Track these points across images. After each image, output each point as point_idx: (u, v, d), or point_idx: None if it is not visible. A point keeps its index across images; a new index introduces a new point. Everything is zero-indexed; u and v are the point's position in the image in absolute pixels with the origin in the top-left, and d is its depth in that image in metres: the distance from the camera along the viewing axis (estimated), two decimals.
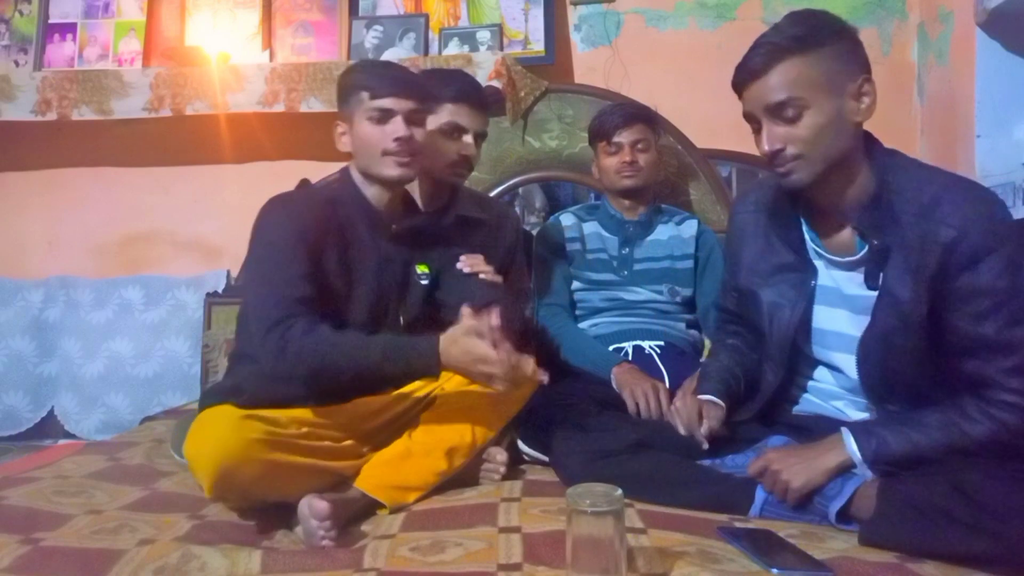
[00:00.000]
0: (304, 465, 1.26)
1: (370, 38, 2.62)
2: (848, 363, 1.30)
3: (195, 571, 1.04)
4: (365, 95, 1.44)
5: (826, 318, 1.33)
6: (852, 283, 1.29)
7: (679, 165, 2.44)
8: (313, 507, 1.18)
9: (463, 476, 1.41)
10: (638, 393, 1.62)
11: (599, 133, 2.01)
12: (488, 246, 1.84)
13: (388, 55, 2.52)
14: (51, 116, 2.56)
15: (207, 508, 1.30)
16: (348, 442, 1.38)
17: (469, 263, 1.59)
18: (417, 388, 1.50)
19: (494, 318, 1.27)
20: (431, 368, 1.31)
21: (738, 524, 1.18)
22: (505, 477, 1.44)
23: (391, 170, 1.45)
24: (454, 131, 1.73)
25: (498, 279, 1.60)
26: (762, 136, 1.24)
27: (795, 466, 1.21)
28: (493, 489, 1.36)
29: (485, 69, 2.39)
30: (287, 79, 2.49)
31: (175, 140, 2.71)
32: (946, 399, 1.22)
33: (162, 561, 1.06)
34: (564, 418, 1.46)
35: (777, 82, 1.19)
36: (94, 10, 2.73)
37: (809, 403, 1.40)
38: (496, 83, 2.38)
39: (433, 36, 2.62)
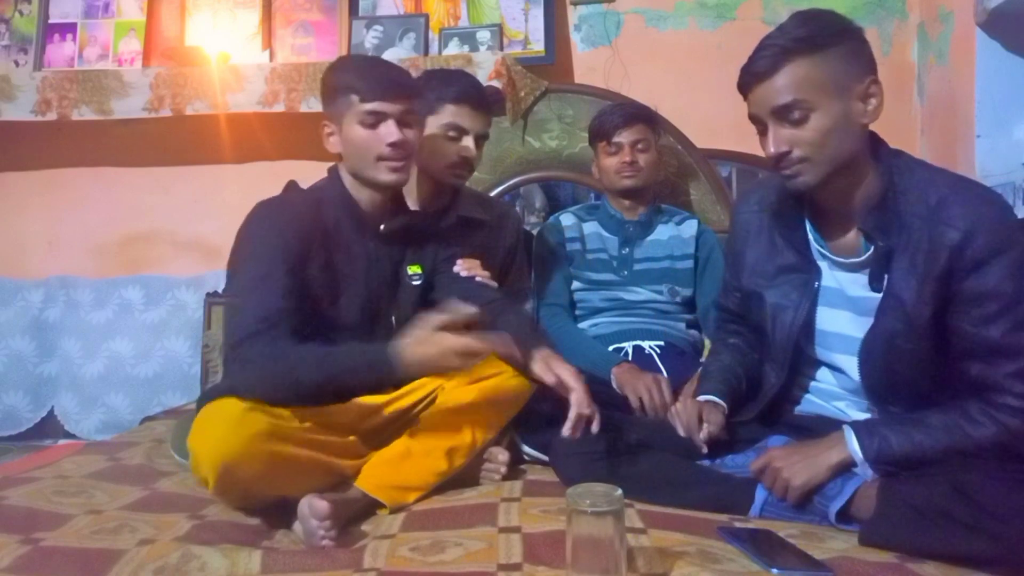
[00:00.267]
0: (307, 459, 1.25)
1: (370, 38, 2.62)
2: (850, 364, 1.30)
3: (195, 571, 1.04)
4: (355, 98, 1.41)
5: (829, 319, 1.33)
6: (856, 285, 1.28)
7: (679, 165, 2.44)
8: (313, 507, 1.18)
9: (463, 476, 1.40)
10: (640, 389, 1.62)
11: (599, 133, 2.01)
12: (489, 246, 1.85)
13: (388, 55, 2.52)
14: (51, 116, 2.56)
15: (207, 508, 1.30)
16: (351, 438, 1.38)
17: (466, 266, 1.59)
18: (417, 387, 1.50)
19: (465, 308, 1.28)
20: (392, 374, 1.29)
21: (738, 524, 1.18)
22: (505, 477, 1.44)
23: (385, 176, 1.43)
24: (455, 132, 1.73)
25: (493, 284, 1.60)
26: (768, 138, 1.23)
27: (796, 464, 1.21)
28: (493, 489, 1.36)
29: (485, 69, 2.40)
30: (287, 79, 2.49)
31: (175, 140, 2.71)
32: (948, 401, 1.22)
33: (162, 561, 1.06)
34: (564, 418, 1.46)
35: (783, 84, 1.18)
36: (94, 10, 2.73)
37: (810, 403, 1.40)
38: (496, 83, 2.38)
39: (433, 36, 2.62)
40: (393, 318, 1.51)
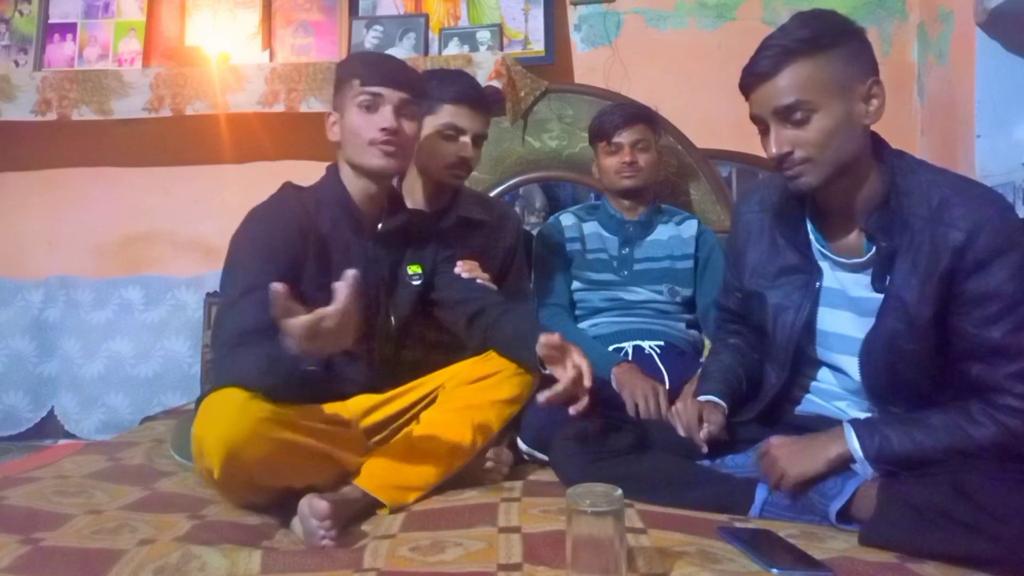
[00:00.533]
0: (311, 447, 1.25)
1: (370, 38, 2.62)
2: (852, 365, 1.30)
3: (195, 571, 1.04)
4: (356, 82, 1.43)
5: (830, 320, 1.33)
6: (858, 285, 1.28)
7: (679, 165, 2.44)
8: (313, 507, 1.18)
9: (464, 476, 1.40)
10: (638, 394, 1.62)
11: (599, 133, 2.01)
12: (488, 247, 1.85)
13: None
14: (51, 116, 2.56)
15: (207, 508, 1.30)
16: (354, 431, 1.38)
17: (466, 268, 1.59)
18: (418, 386, 1.50)
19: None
20: (294, 361, 1.16)
21: (738, 524, 1.18)
22: (505, 477, 1.44)
23: (375, 160, 1.43)
24: (452, 132, 1.73)
25: (493, 287, 1.60)
26: (769, 139, 1.23)
27: (794, 455, 1.22)
28: (493, 489, 1.37)
29: (485, 69, 2.40)
30: (287, 79, 2.49)
31: (175, 140, 2.71)
32: (949, 402, 1.22)
33: (162, 561, 1.06)
34: (564, 418, 1.46)
35: (785, 85, 1.18)
36: (94, 10, 2.73)
37: (811, 403, 1.40)
38: (496, 83, 2.38)
39: (433, 36, 2.62)
40: (392, 318, 1.51)
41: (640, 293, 1.98)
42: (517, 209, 2.53)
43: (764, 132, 1.25)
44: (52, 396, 2.66)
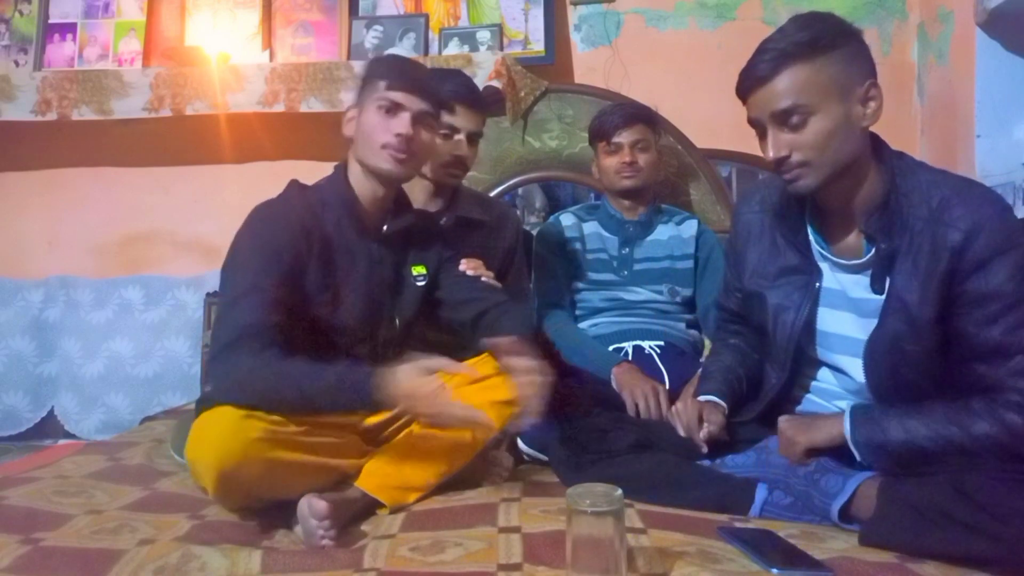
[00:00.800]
0: (307, 463, 1.25)
1: (370, 38, 2.62)
2: (853, 366, 1.30)
3: (195, 571, 1.04)
4: (382, 84, 1.43)
5: (831, 321, 1.33)
6: (858, 286, 1.28)
7: (679, 165, 2.44)
8: (312, 507, 1.18)
9: (464, 476, 1.40)
10: (638, 394, 1.62)
11: (599, 133, 2.01)
12: (488, 247, 1.84)
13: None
14: (51, 116, 2.56)
15: (207, 508, 1.30)
16: (350, 437, 1.37)
17: (470, 266, 1.59)
18: None
19: (472, 371, 1.30)
20: (370, 406, 1.27)
21: (738, 524, 1.18)
22: (505, 478, 1.44)
23: (385, 163, 1.43)
24: (447, 131, 1.72)
25: (497, 285, 1.60)
26: (768, 142, 1.23)
27: (803, 426, 1.27)
28: (493, 489, 1.36)
29: (485, 69, 2.40)
30: (287, 79, 2.49)
31: (175, 140, 2.71)
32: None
33: (162, 561, 1.06)
34: (564, 418, 1.46)
35: (783, 88, 1.18)
36: (94, 10, 2.73)
37: (811, 403, 1.40)
38: (496, 83, 2.38)
39: (433, 36, 2.62)
40: (397, 320, 1.50)
41: (640, 293, 1.98)
42: (517, 209, 2.53)
43: (762, 135, 1.25)
44: (52, 396, 2.66)
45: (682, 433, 1.39)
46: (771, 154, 1.22)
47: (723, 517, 1.21)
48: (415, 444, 1.38)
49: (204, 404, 1.39)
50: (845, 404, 1.35)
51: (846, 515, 1.17)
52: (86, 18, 2.73)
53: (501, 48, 2.55)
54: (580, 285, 2.02)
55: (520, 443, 1.55)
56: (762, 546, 1.05)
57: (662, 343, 1.90)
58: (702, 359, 1.86)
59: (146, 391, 2.61)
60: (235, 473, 1.17)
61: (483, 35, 2.57)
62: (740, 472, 1.32)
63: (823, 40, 1.18)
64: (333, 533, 1.18)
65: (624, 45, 2.64)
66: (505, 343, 1.37)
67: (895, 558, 1.04)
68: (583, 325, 1.99)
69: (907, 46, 2.56)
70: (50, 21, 2.73)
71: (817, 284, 1.33)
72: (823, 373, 1.38)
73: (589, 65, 2.65)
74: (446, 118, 1.71)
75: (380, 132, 1.42)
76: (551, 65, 2.57)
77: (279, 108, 2.49)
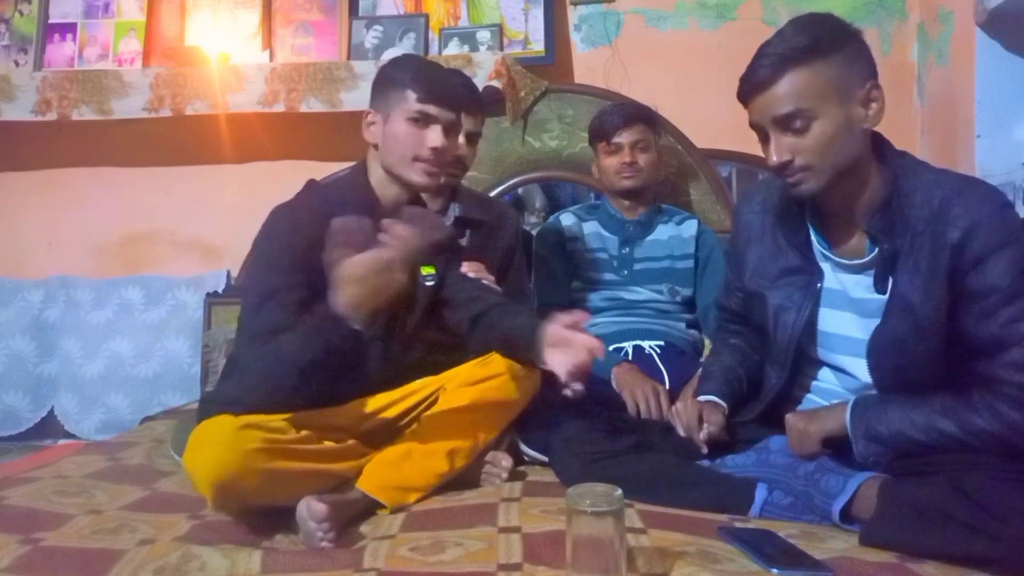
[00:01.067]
0: (305, 470, 1.25)
1: (370, 38, 2.62)
2: (855, 366, 1.30)
3: (195, 571, 1.04)
4: (411, 95, 1.40)
5: (832, 321, 1.33)
6: (859, 286, 1.28)
7: (679, 165, 2.45)
8: (311, 509, 1.18)
9: (464, 477, 1.40)
10: (638, 395, 1.62)
11: (599, 133, 2.01)
12: (487, 247, 1.84)
13: (388, 55, 2.52)
14: (51, 116, 2.56)
15: (207, 508, 1.29)
16: (350, 442, 1.38)
17: (472, 269, 1.59)
18: (419, 388, 1.50)
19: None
20: (339, 321, 1.20)
21: (738, 524, 1.18)
22: (505, 480, 1.44)
23: (419, 177, 1.42)
24: None
25: (497, 288, 1.59)
26: (770, 146, 1.23)
27: (813, 416, 1.27)
28: (493, 489, 1.36)
29: (485, 69, 2.40)
30: (287, 79, 2.49)
31: (175, 140, 2.71)
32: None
33: (162, 561, 1.06)
34: (564, 419, 1.46)
35: (784, 93, 1.18)
36: (94, 10, 2.73)
37: (812, 403, 1.39)
38: (496, 83, 2.38)
39: (433, 36, 2.62)
40: (407, 320, 1.50)
41: (640, 293, 1.98)
42: (516, 209, 2.53)
43: (764, 139, 1.25)
44: (52, 396, 2.66)
45: (682, 433, 1.39)
46: (774, 159, 1.22)
47: (723, 517, 1.21)
48: (415, 445, 1.38)
49: (205, 407, 1.40)
50: None
51: (847, 515, 1.17)
52: (86, 18, 2.73)
53: (501, 48, 2.55)
54: (580, 285, 2.02)
55: (521, 444, 1.55)
56: (762, 546, 1.05)
57: (662, 343, 1.90)
58: (702, 359, 1.86)
59: (146, 391, 2.61)
60: (233, 484, 1.17)
61: (483, 35, 2.57)
62: (740, 472, 1.32)
63: (822, 43, 1.17)
64: (332, 535, 1.18)
65: (624, 45, 2.64)
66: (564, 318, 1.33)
67: (895, 558, 1.04)
68: (583, 325, 1.99)
69: (907, 46, 2.56)
70: (50, 21, 2.73)
71: (818, 284, 1.33)
72: (824, 373, 1.38)
73: (589, 65, 2.65)
74: None
75: (413, 145, 1.40)
76: (551, 65, 2.57)
77: (279, 108, 2.49)
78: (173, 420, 1.99)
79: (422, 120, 1.40)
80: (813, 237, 1.33)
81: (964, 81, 2.18)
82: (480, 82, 2.31)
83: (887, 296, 1.23)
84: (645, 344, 1.89)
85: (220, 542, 1.14)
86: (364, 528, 1.25)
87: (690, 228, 2.05)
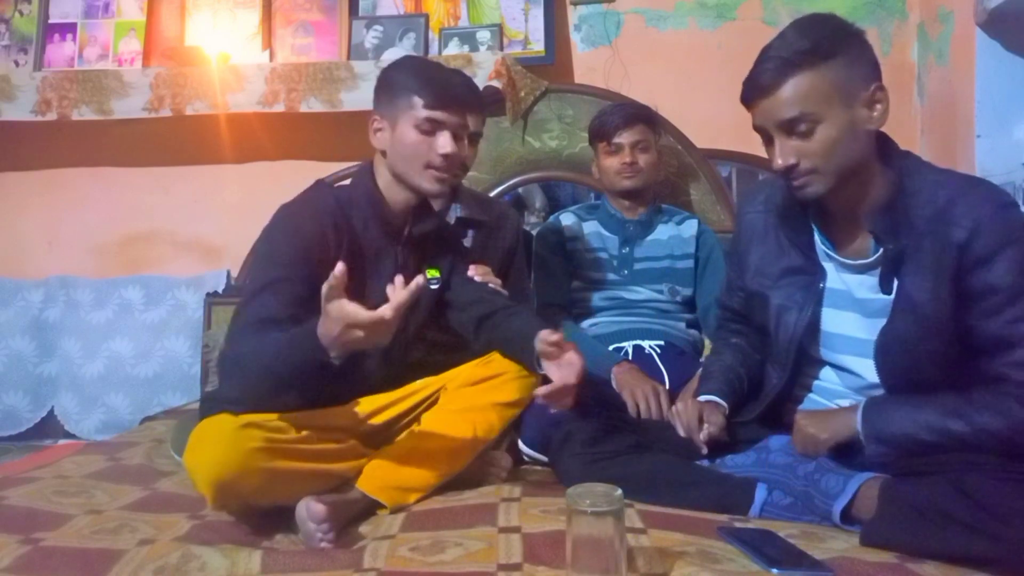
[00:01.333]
0: (305, 470, 1.25)
1: (370, 38, 2.62)
2: (859, 365, 1.30)
3: (195, 571, 1.04)
4: (418, 101, 1.39)
5: (835, 321, 1.33)
6: (863, 286, 1.28)
7: (679, 165, 2.44)
8: (311, 510, 1.18)
9: (464, 477, 1.40)
10: (638, 395, 1.62)
11: (599, 133, 2.01)
12: (488, 247, 1.84)
13: (388, 55, 2.52)
14: (51, 116, 2.56)
15: (207, 508, 1.29)
16: (351, 442, 1.37)
17: (479, 272, 1.59)
18: (419, 388, 1.50)
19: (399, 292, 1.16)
20: (316, 349, 1.16)
21: (738, 524, 1.18)
22: (504, 479, 1.44)
23: (430, 185, 1.42)
24: None
25: (504, 293, 1.59)
26: (775, 150, 1.22)
27: (821, 422, 1.25)
28: (493, 489, 1.36)
29: (485, 69, 2.40)
30: (287, 79, 2.49)
31: (175, 140, 2.71)
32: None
33: (162, 561, 1.06)
34: (564, 419, 1.46)
35: (788, 98, 1.18)
36: (94, 10, 2.73)
37: (813, 402, 1.40)
38: (496, 83, 2.38)
39: (433, 36, 2.62)
40: (410, 322, 1.50)
41: (640, 292, 1.98)
42: (516, 209, 2.53)
43: (768, 142, 1.24)
44: (52, 396, 2.66)
45: (682, 433, 1.39)
46: (779, 163, 1.22)
47: (723, 517, 1.21)
48: (415, 445, 1.38)
49: (206, 405, 1.40)
50: (847, 403, 1.35)
51: (847, 516, 1.17)
52: (86, 18, 2.72)
53: (501, 48, 2.55)
54: (580, 284, 2.02)
55: (520, 444, 1.55)
56: (762, 546, 1.05)
57: (662, 343, 1.90)
58: (702, 359, 1.86)
59: (146, 391, 2.61)
60: (233, 483, 1.17)
61: (483, 35, 2.57)
62: (739, 472, 1.32)
63: (826, 46, 1.17)
64: (332, 536, 1.18)
65: (624, 45, 2.64)
66: (554, 336, 1.34)
67: (895, 558, 1.04)
68: (583, 324, 1.99)
69: (907, 46, 2.56)
70: (50, 21, 2.73)
71: (821, 284, 1.32)
72: (826, 372, 1.38)
73: (589, 65, 2.65)
74: None
75: (422, 152, 1.39)
76: (551, 65, 2.57)
77: (279, 108, 2.49)
78: (173, 420, 1.99)
79: (430, 128, 1.39)
80: (816, 237, 1.33)
81: (964, 81, 2.18)
82: (480, 82, 2.31)
83: (892, 296, 1.23)
84: (645, 344, 1.89)
85: (220, 542, 1.14)
86: (364, 528, 1.25)
87: (690, 228, 2.05)
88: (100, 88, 2.53)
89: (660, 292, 1.98)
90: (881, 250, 1.23)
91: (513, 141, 2.52)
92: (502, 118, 2.45)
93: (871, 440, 1.20)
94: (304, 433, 1.29)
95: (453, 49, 2.56)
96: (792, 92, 1.18)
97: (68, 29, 2.72)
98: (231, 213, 2.68)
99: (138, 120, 2.58)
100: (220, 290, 2.64)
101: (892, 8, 2.56)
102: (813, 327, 1.34)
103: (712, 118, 2.50)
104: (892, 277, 1.23)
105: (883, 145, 1.26)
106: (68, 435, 2.62)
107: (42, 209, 2.82)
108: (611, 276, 2.00)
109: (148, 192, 2.78)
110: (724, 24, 2.62)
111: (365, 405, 1.44)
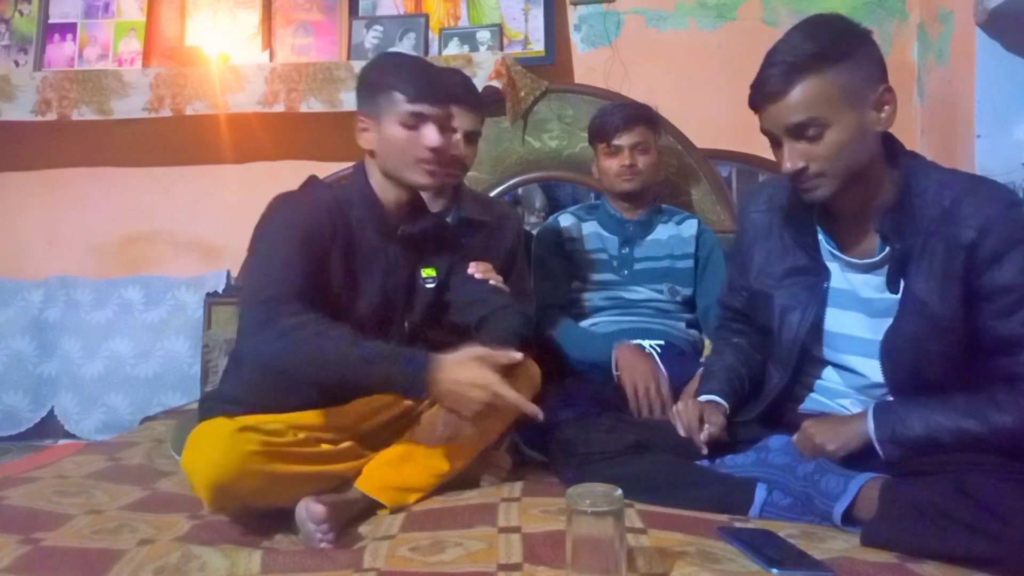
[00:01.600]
0: (303, 473, 1.25)
1: (370, 38, 2.62)
2: (862, 365, 1.30)
3: (195, 571, 1.04)
4: (400, 97, 1.38)
5: (839, 321, 1.32)
6: (868, 286, 1.28)
7: (679, 165, 2.44)
8: (310, 510, 1.18)
9: (464, 477, 1.40)
10: (638, 380, 1.63)
11: (599, 134, 2.01)
12: (489, 247, 1.84)
13: None
14: (51, 116, 2.56)
15: (207, 508, 1.30)
16: (347, 444, 1.37)
17: (480, 270, 1.59)
18: None
19: (514, 354, 1.26)
20: (416, 383, 1.21)
21: (738, 524, 1.18)
22: (504, 479, 1.44)
23: (422, 178, 1.41)
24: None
25: (506, 289, 1.59)
26: (783, 153, 1.22)
27: (829, 431, 1.23)
28: (493, 489, 1.36)
29: (485, 69, 2.40)
30: (287, 79, 2.49)
31: (175, 140, 2.71)
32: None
33: (162, 561, 1.06)
34: (564, 419, 1.46)
35: (797, 103, 1.17)
36: (94, 10, 2.73)
37: (815, 401, 1.40)
38: (496, 83, 2.38)
39: (433, 36, 2.62)
40: (406, 322, 1.50)
41: (640, 292, 1.98)
42: (517, 209, 2.53)
43: (776, 145, 1.24)
44: (52, 396, 2.66)
45: (682, 433, 1.39)
46: (788, 166, 1.22)
47: (723, 517, 1.21)
48: (416, 445, 1.38)
49: (206, 405, 1.40)
50: (849, 402, 1.35)
51: (848, 517, 1.16)
52: (86, 18, 2.72)
53: (501, 48, 2.55)
54: (580, 285, 2.02)
55: (520, 443, 1.55)
56: (762, 546, 1.05)
57: (662, 342, 1.90)
58: (702, 359, 1.86)
59: (146, 391, 2.61)
60: (231, 486, 1.17)
61: (483, 35, 2.57)
62: (739, 472, 1.32)
63: (834, 50, 1.16)
64: (332, 536, 1.18)
65: (624, 45, 2.64)
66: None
67: (895, 558, 1.04)
68: (583, 324, 1.99)
69: (907, 46, 2.56)
70: (50, 21, 2.73)
71: (825, 284, 1.32)
72: (828, 372, 1.38)
73: (589, 65, 2.65)
74: None
75: (410, 147, 1.39)
76: (551, 65, 2.57)
77: (279, 108, 2.49)
78: (173, 420, 1.99)
79: (415, 122, 1.39)
80: (821, 237, 1.33)
81: (964, 81, 2.18)
82: (480, 82, 2.31)
83: (899, 296, 1.23)
84: (645, 343, 1.89)
85: (220, 542, 1.14)
86: (364, 528, 1.25)
87: (690, 228, 2.05)
88: (100, 88, 2.53)
89: (660, 292, 1.98)
90: (887, 249, 1.23)
91: (513, 141, 2.52)
92: (502, 118, 2.45)
93: (886, 444, 1.19)
94: (302, 436, 1.29)
95: (453, 49, 2.56)
96: (800, 97, 1.17)
97: (68, 29, 2.72)
98: (231, 213, 2.67)
99: (138, 120, 2.57)
100: (220, 290, 2.64)
101: (892, 8, 2.56)
102: (816, 327, 1.34)
103: (712, 118, 2.50)
104: (899, 276, 1.23)
105: (889, 145, 1.26)
106: (68, 435, 2.62)
107: (42, 209, 2.82)
108: (611, 276, 2.00)
109: (148, 192, 2.78)
110: (724, 24, 2.62)
111: (364, 404, 1.44)
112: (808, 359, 1.38)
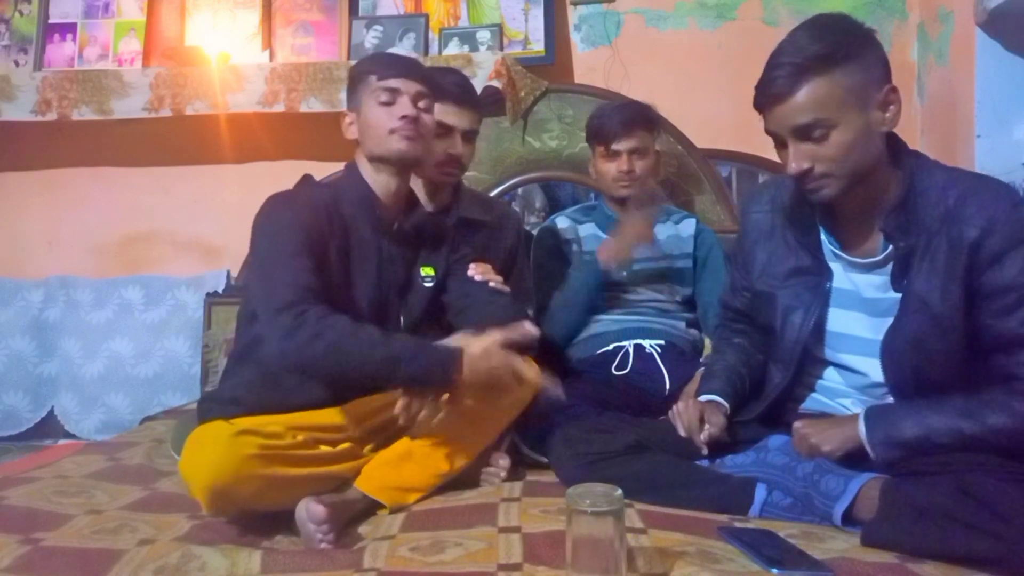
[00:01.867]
0: (302, 475, 1.25)
1: (370, 38, 2.62)
2: (865, 365, 1.30)
3: (195, 571, 1.04)
4: (373, 78, 1.45)
5: (841, 321, 1.32)
6: (871, 286, 1.28)
7: (679, 165, 2.44)
8: (310, 511, 1.18)
9: (464, 477, 1.40)
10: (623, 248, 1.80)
11: (597, 136, 2.00)
12: (489, 247, 1.84)
13: None
14: (51, 116, 2.56)
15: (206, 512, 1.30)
16: (347, 445, 1.37)
17: (479, 270, 1.59)
18: None
19: (528, 328, 1.33)
20: (447, 377, 1.26)
21: (738, 524, 1.18)
22: (504, 480, 1.44)
23: (397, 144, 1.43)
24: (440, 130, 1.71)
25: (505, 289, 1.59)
26: (788, 153, 1.22)
27: (825, 432, 1.24)
28: (493, 489, 1.36)
29: (485, 69, 2.40)
30: (287, 79, 2.49)
31: (175, 140, 2.71)
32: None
33: (162, 561, 1.06)
34: (564, 419, 1.46)
35: (802, 104, 1.17)
36: (94, 10, 2.73)
37: (815, 401, 1.40)
38: (496, 83, 2.38)
39: (433, 36, 2.62)
40: (402, 319, 1.50)
41: (640, 292, 1.98)
42: (517, 209, 2.53)
43: (781, 146, 1.24)
44: (52, 396, 2.66)
45: (682, 433, 1.39)
46: (793, 167, 1.22)
47: (723, 517, 1.21)
48: (416, 445, 1.38)
49: (204, 406, 1.40)
50: (850, 402, 1.35)
51: (848, 518, 1.16)
52: (86, 18, 2.73)
53: (501, 48, 2.55)
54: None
55: (520, 443, 1.55)
56: (762, 546, 1.05)
57: (662, 342, 1.90)
58: (702, 359, 1.86)
59: (146, 391, 2.61)
60: (229, 490, 1.17)
61: (483, 35, 2.57)
62: (739, 472, 1.32)
63: (840, 51, 1.16)
64: (331, 536, 1.18)
65: (624, 45, 2.64)
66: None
67: (895, 558, 1.04)
68: (583, 325, 1.99)
69: (907, 46, 2.56)
70: (50, 21, 2.73)
71: (827, 284, 1.32)
72: (829, 372, 1.38)
73: (589, 65, 2.65)
74: (439, 116, 1.70)
75: (385, 121, 1.43)
76: (551, 65, 2.57)
77: (279, 108, 2.49)
78: (173, 420, 1.99)
79: (389, 98, 1.44)
80: (823, 237, 1.33)
81: (964, 81, 2.18)
82: (480, 82, 2.31)
83: (902, 295, 1.23)
84: (646, 343, 1.89)
85: (220, 542, 1.14)
86: (364, 528, 1.25)
87: (688, 227, 2.05)
88: (100, 88, 2.54)
89: (659, 292, 1.98)
90: (890, 248, 1.23)
91: (513, 141, 2.52)
92: (502, 118, 2.45)
93: (878, 446, 1.19)
94: (301, 438, 1.29)
95: (453, 49, 2.56)
96: (806, 98, 1.17)
97: (68, 29, 2.72)
98: (231, 213, 2.67)
99: (138, 120, 2.58)
100: (220, 290, 2.64)
101: (892, 8, 2.56)
102: (819, 327, 1.34)
103: (712, 118, 2.50)
104: (902, 276, 1.23)
105: (892, 145, 1.27)
106: (68, 435, 2.62)
107: (42, 209, 2.82)
108: (610, 277, 1.99)
109: (148, 192, 2.78)
110: (724, 24, 2.62)
111: (363, 404, 1.44)
112: (809, 359, 1.38)
